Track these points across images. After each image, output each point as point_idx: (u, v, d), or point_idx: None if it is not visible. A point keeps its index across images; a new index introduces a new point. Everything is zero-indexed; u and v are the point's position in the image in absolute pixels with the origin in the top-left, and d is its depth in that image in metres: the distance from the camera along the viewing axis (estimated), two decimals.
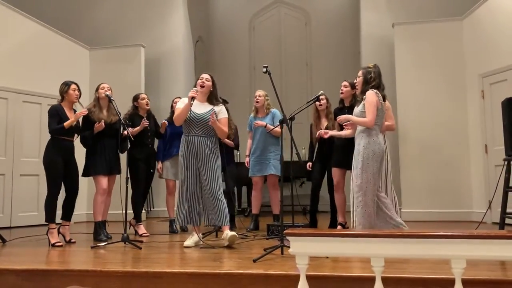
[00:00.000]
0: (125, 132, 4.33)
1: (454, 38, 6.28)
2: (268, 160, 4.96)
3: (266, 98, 5.11)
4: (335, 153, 4.73)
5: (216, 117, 3.92)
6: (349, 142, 4.34)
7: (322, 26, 9.24)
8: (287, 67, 9.29)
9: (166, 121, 5.06)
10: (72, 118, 4.26)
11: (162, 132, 5.10)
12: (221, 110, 4.00)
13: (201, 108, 3.94)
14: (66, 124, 4.21)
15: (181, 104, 3.95)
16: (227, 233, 3.77)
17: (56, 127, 4.22)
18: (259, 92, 5.14)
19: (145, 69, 7.29)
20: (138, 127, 4.72)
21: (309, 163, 5.01)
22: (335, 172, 4.69)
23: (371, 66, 3.75)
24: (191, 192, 3.88)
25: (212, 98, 4.00)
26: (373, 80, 3.68)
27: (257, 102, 5.08)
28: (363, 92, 3.70)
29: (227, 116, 4.06)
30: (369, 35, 7.29)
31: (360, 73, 3.79)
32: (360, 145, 3.62)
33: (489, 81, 5.74)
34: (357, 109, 3.72)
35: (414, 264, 2.80)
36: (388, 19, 6.96)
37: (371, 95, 3.61)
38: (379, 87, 3.70)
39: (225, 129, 4.00)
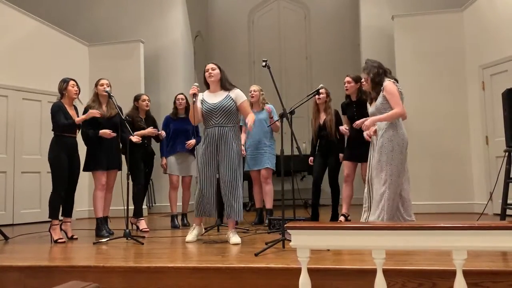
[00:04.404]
0: (133, 138, 4.35)
1: (454, 30, 6.25)
2: (263, 154, 4.98)
3: (261, 93, 5.12)
4: (347, 146, 4.74)
5: (235, 103, 3.84)
6: (362, 136, 4.36)
7: (321, 19, 9.20)
8: (286, 61, 9.26)
9: (163, 132, 5.08)
10: (84, 116, 4.29)
11: (161, 139, 5.11)
12: (238, 94, 3.90)
13: (216, 97, 3.87)
14: (78, 120, 4.26)
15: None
16: (232, 236, 3.73)
17: (65, 122, 4.23)
18: (254, 88, 5.15)
19: (144, 65, 7.28)
20: (144, 131, 4.76)
21: (311, 158, 5.03)
22: (347, 165, 4.70)
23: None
24: (209, 184, 3.82)
25: (224, 83, 3.92)
26: (370, 72, 3.68)
27: (252, 97, 5.09)
28: (379, 84, 3.67)
29: (246, 99, 3.96)
30: (368, 27, 7.27)
31: (364, 75, 3.81)
32: (384, 137, 3.57)
33: (490, 72, 5.72)
34: (377, 103, 3.68)
35: (415, 255, 2.80)
36: (387, 11, 6.94)
37: (390, 85, 3.56)
38: (386, 73, 3.68)
39: (249, 110, 3.94)
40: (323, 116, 4.95)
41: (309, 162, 5.00)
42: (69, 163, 4.28)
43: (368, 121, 3.71)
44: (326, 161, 4.95)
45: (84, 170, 4.52)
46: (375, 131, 3.72)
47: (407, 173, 3.74)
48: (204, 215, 3.90)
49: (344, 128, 4.65)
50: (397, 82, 3.67)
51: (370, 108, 3.89)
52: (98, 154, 4.46)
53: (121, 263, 2.97)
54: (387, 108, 3.61)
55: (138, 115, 4.99)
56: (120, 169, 4.63)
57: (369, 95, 4.27)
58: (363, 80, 4.10)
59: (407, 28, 6.48)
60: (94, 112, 4.30)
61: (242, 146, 5.07)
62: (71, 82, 4.39)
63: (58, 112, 4.26)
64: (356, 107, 4.64)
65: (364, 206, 3.85)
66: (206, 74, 3.90)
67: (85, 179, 5.17)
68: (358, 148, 4.49)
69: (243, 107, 3.88)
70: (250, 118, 3.76)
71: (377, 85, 3.71)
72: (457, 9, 6.31)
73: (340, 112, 4.95)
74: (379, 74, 3.68)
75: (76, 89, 4.41)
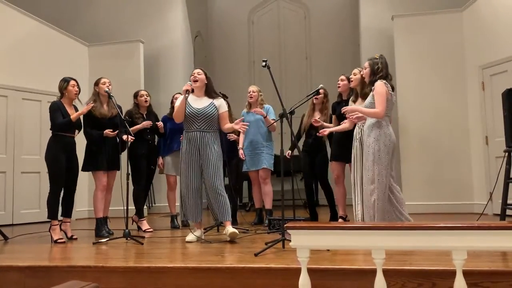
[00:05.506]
0: (124, 136, 4.32)
1: (454, 30, 6.25)
2: (260, 155, 4.97)
3: (260, 93, 5.12)
4: (333, 147, 4.74)
5: (217, 111, 3.94)
6: (347, 135, 4.36)
7: (321, 19, 9.20)
8: (286, 61, 9.26)
9: (161, 122, 5.07)
10: (80, 111, 4.28)
11: (162, 132, 5.10)
12: (221, 104, 4.00)
13: (200, 102, 3.94)
14: (73, 116, 4.23)
15: (178, 101, 3.97)
16: (228, 229, 3.77)
17: (62, 120, 4.22)
18: (253, 88, 5.14)
19: (144, 65, 7.28)
20: (138, 125, 4.74)
21: (289, 152, 4.64)
22: (334, 166, 4.69)
23: (377, 57, 3.72)
24: (194, 188, 3.88)
25: (209, 91, 4.01)
26: (380, 71, 3.66)
27: (251, 97, 5.08)
28: (372, 83, 3.67)
29: (227, 110, 4.08)
30: (368, 27, 7.27)
31: (366, 64, 3.77)
32: (370, 137, 3.58)
33: (489, 72, 5.72)
34: (366, 101, 3.70)
35: (415, 256, 2.80)
36: (387, 11, 6.94)
37: (380, 86, 3.57)
38: (386, 77, 3.67)
39: (228, 121, 4.05)
40: (317, 116, 4.94)
41: (287, 155, 4.61)
42: (67, 163, 4.26)
43: (349, 107, 3.77)
44: (313, 160, 4.96)
45: (83, 170, 4.51)
46: (359, 117, 3.73)
47: (395, 172, 3.76)
48: (190, 219, 3.96)
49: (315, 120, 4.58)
50: (392, 90, 3.66)
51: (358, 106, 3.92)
52: (98, 154, 4.44)
53: (121, 263, 2.98)
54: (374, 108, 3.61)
55: (138, 111, 4.97)
56: (119, 169, 4.62)
57: (354, 92, 4.31)
58: (359, 69, 4.14)
59: (407, 28, 6.48)
60: (88, 107, 4.27)
61: (241, 150, 5.07)
62: (72, 82, 4.37)
63: (56, 111, 4.25)
64: (345, 105, 4.64)
65: (356, 204, 3.92)
66: (191, 77, 3.98)
67: (85, 179, 5.17)
68: (344, 148, 4.41)
69: (224, 117, 3.99)
70: (231, 125, 3.93)
71: (370, 83, 3.72)
72: (456, 9, 6.31)
73: (330, 112, 4.95)
74: (380, 72, 3.66)
75: (77, 89, 4.39)
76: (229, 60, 9.39)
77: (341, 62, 8.51)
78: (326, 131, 4.34)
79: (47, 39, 6.71)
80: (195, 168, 3.88)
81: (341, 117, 4.47)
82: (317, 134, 4.45)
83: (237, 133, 5.12)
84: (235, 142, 5.16)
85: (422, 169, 6.11)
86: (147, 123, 4.78)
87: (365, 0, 7.39)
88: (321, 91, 4.75)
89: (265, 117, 4.86)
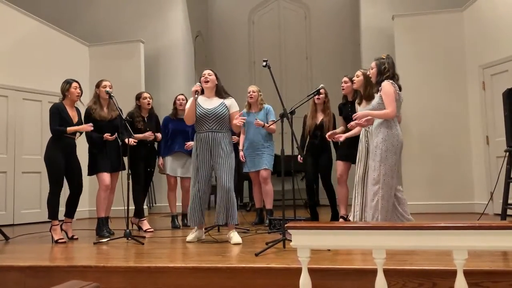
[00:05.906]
0: (126, 140, 4.33)
1: (455, 30, 6.25)
2: (261, 156, 4.96)
3: (260, 93, 5.12)
4: (341, 147, 4.73)
5: (228, 110, 3.91)
6: (357, 137, 4.37)
7: (322, 19, 9.20)
8: (287, 61, 9.26)
9: (159, 134, 5.06)
10: (77, 127, 4.27)
11: (157, 140, 5.09)
12: (232, 103, 3.96)
13: (211, 103, 3.91)
14: (69, 129, 4.22)
15: (188, 104, 3.95)
16: (233, 236, 3.73)
17: (57, 128, 4.21)
18: (252, 88, 5.14)
19: (144, 65, 7.28)
20: (140, 136, 4.73)
21: (299, 156, 4.79)
22: (340, 165, 4.70)
23: (384, 57, 3.72)
24: (202, 189, 3.84)
25: (220, 91, 3.98)
26: (387, 71, 3.65)
27: (251, 97, 5.08)
28: (378, 83, 3.67)
29: (238, 109, 4.02)
30: (368, 27, 7.27)
31: (373, 64, 3.76)
32: (378, 137, 3.57)
33: (490, 72, 5.72)
34: (374, 102, 3.69)
35: (416, 255, 2.80)
36: (387, 11, 6.94)
37: (387, 86, 3.56)
38: (393, 77, 3.67)
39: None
40: (320, 116, 4.94)
41: (298, 159, 4.74)
42: (68, 164, 4.25)
43: (360, 113, 3.75)
44: (317, 161, 4.95)
45: (89, 174, 4.53)
46: (368, 120, 3.72)
47: (399, 174, 3.76)
48: (197, 224, 3.91)
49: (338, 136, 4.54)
50: (399, 89, 3.65)
51: (364, 108, 3.91)
52: (101, 157, 4.45)
53: (122, 263, 2.98)
54: (383, 109, 3.60)
55: (140, 114, 4.97)
56: (124, 169, 4.62)
57: (358, 95, 4.31)
58: (361, 71, 4.15)
59: (407, 28, 6.48)
60: (88, 128, 4.27)
61: (241, 152, 5.06)
62: (74, 84, 4.38)
63: (54, 115, 4.24)
64: (351, 107, 4.65)
65: (355, 204, 3.91)
66: (202, 78, 3.95)
67: (85, 180, 5.14)
68: (352, 149, 4.43)
69: (234, 117, 3.93)
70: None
71: (377, 83, 3.71)
72: (457, 9, 6.31)
73: (337, 113, 4.95)
74: (387, 73, 3.65)
75: (79, 91, 4.39)
76: (229, 60, 9.38)
77: (341, 62, 8.51)
78: (342, 137, 4.31)
79: (47, 39, 6.71)
80: (206, 169, 3.84)
81: (348, 119, 4.49)
82: (332, 139, 4.43)
83: (238, 134, 5.13)
84: (236, 143, 5.16)
85: (423, 169, 6.11)
86: (148, 135, 4.80)
87: (366, 0, 7.39)
88: (322, 91, 4.75)
89: (263, 126, 4.86)
